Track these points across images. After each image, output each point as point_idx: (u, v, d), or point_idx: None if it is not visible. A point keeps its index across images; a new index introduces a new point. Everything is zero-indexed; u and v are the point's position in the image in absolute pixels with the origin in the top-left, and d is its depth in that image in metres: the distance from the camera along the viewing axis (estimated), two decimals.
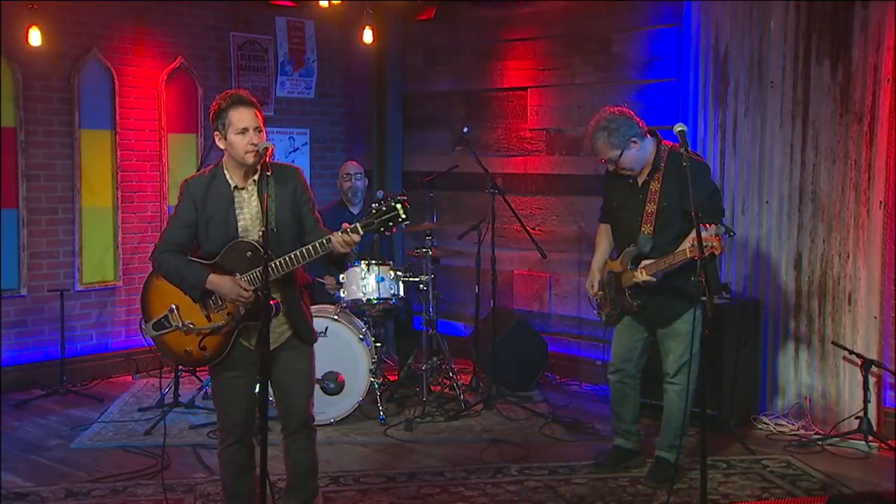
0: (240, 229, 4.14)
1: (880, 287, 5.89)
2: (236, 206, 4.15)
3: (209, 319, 4.14)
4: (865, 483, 5.15)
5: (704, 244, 4.44)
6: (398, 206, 3.89)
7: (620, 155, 4.95)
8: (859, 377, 5.80)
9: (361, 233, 3.93)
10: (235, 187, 4.16)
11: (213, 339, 4.13)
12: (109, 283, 7.40)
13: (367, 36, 7.94)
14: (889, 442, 5.74)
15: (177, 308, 4.17)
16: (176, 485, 4.99)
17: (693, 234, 4.67)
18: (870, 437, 5.72)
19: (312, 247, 3.98)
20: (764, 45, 6.25)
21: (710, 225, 4.61)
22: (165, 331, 4.18)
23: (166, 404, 6.31)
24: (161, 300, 4.20)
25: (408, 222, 3.97)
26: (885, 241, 5.87)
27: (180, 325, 4.15)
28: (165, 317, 4.18)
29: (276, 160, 4.29)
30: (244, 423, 4.20)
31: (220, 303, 4.13)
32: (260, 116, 4.14)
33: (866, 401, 5.73)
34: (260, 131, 4.10)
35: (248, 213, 4.16)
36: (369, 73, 8.73)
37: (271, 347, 4.02)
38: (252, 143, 4.04)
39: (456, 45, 8.23)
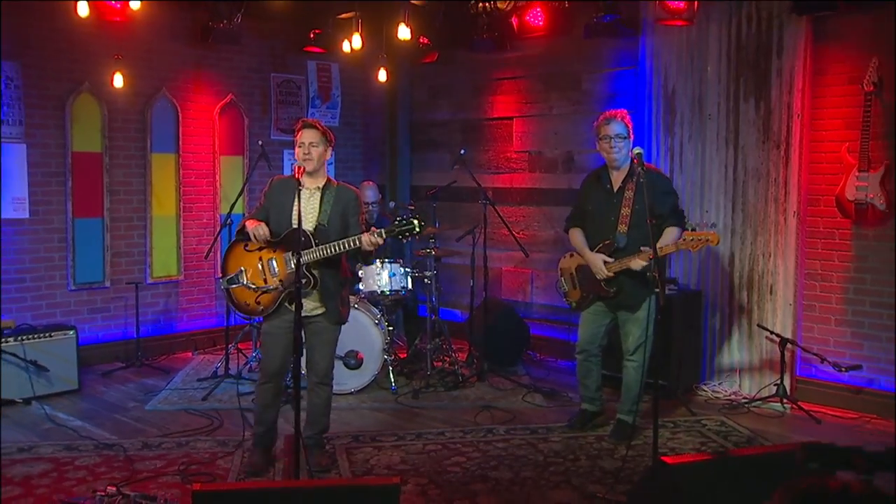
0: (292, 218, 4.45)
1: (794, 280, 5.97)
2: (296, 201, 4.45)
3: (265, 282, 4.54)
4: (781, 437, 5.21)
5: (702, 238, 4.53)
6: (415, 221, 4.22)
7: (625, 137, 4.95)
8: (777, 352, 5.86)
9: (385, 237, 4.26)
10: (302, 187, 4.46)
11: (266, 296, 4.54)
12: (174, 278, 7.46)
13: (382, 76, 7.90)
14: (799, 403, 5.82)
15: (244, 270, 4.59)
16: (228, 440, 5.10)
17: (674, 234, 4.79)
18: (784, 400, 5.82)
19: (347, 241, 4.32)
20: (703, 86, 6.31)
21: (691, 231, 4.68)
22: (235, 285, 4.61)
23: (219, 376, 6.40)
24: (236, 262, 4.63)
25: (420, 234, 4.31)
26: (798, 243, 5.96)
27: (245, 282, 4.57)
28: (236, 275, 4.61)
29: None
30: (276, 371, 4.64)
31: (275, 270, 4.51)
32: (320, 136, 4.51)
33: (782, 371, 5.84)
34: (315, 146, 4.49)
35: (305, 207, 4.49)
36: (383, 105, 8.75)
37: (303, 316, 4.42)
38: (304, 153, 4.48)
39: (454, 83, 8.27)
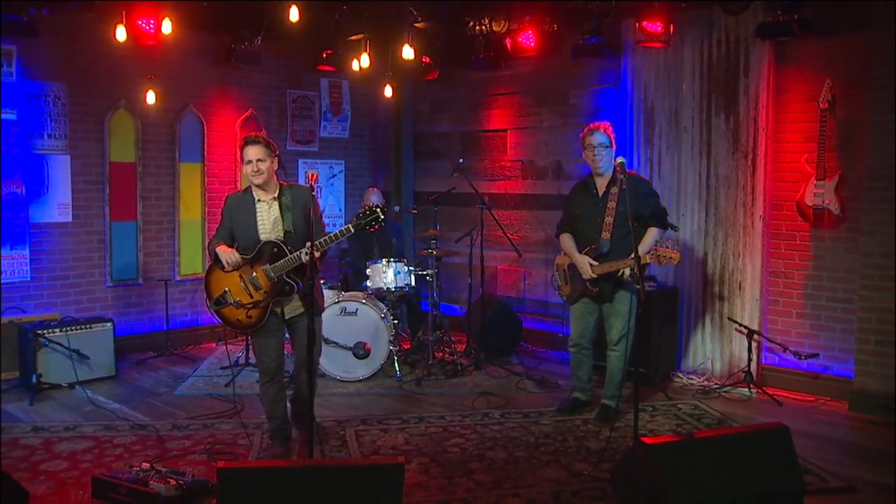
0: (259, 231, 4.33)
1: (760, 277, 6.03)
2: (257, 214, 4.35)
3: (251, 297, 4.35)
4: (748, 418, 5.27)
5: (667, 256, 4.56)
6: (377, 210, 4.07)
7: (607, 147, 4.99)
8: (745, 343, 5.94)
9: (352, 230, 4.10)
10: (258, 200, 4.35)
11: (255, 310, 4.37)
12: (199, 275, 7.26)
13: (388, 91, 7.97)
14: (764, 388, 5.88)
15: (228, 290, 4.39)
16: (248, 423, 5.12)
17: (654, 234, 4.85)
18: (751, 386, 5.88)
19: (291, 258, 4.21)
20: (679, 101, 6.36)
21: (668, 244, 4.71)
22: (222, 306, 4.40)
23: (240, 364, 6.48)
24: (218, 284, 4.44)
25: (384, 223, 4.12)
26: (764, 244, 6.02)
27: (232, 301, 4.36)
28: (222, 296, 4.39)
29: (317, 184, 4.51)
30: (274, 369, 4.50)
31: (258, 284, 4.33)
32: (264, 149, 4.23)
33: (749, 360, 5.89)
34: (262, 161, 4.23)
35: (267, 219, 4.34)
36: (389, 118, 8.76)
37: (287, 317, 4.39)
38: (254, 170, 4.24)
39: (454, 98, 8.31)
